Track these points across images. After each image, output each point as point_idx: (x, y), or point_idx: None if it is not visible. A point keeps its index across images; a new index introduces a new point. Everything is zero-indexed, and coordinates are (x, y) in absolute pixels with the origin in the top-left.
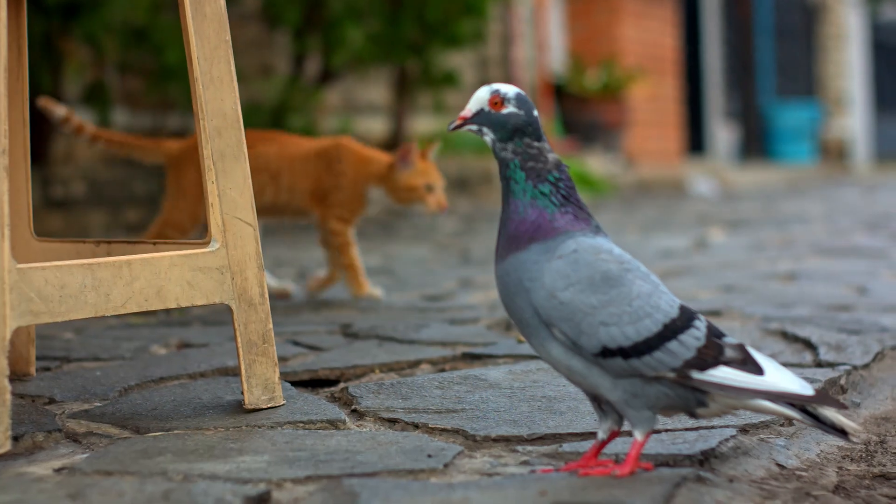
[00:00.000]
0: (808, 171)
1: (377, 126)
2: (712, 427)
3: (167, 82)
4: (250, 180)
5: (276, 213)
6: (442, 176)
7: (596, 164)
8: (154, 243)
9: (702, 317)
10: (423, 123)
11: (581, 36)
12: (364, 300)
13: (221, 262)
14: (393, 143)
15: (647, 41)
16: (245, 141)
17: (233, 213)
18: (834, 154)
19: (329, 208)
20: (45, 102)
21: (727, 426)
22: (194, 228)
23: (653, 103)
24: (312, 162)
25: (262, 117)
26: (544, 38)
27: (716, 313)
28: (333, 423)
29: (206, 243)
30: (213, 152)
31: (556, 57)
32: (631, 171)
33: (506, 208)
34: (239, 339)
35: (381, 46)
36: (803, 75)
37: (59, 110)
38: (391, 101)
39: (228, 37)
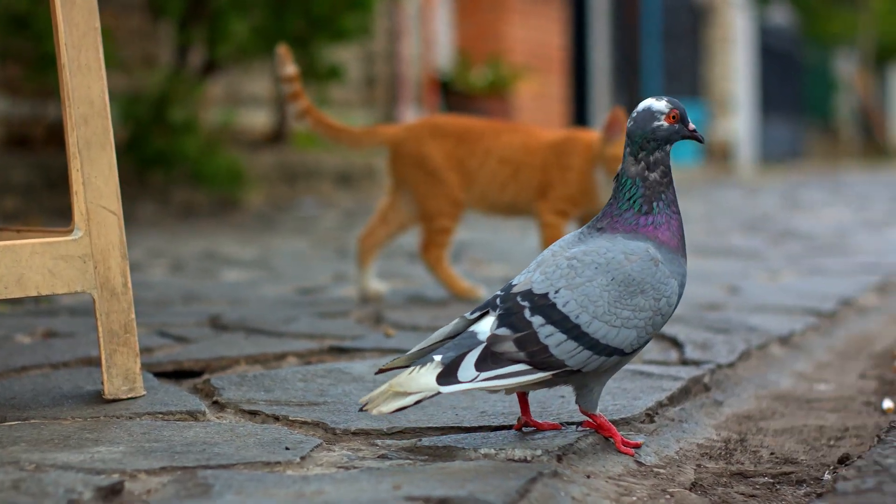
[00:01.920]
0: (691, 173)
1: (261, 119)
2: (572, 420)
3: (47, 70)
4: (116, 169)
5: (510, 212)
6: None
7: None
8: (18, 230)
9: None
10: None
11: (468, 33)
12: None
13: (84, 251)
14: (276, 136)
15: (533, 40)
16: (109, 129)
17: (97, 202)
18: (718, 156)
19: (549, 202)
20: (284, 50)
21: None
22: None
23: (539, 102)
24: (546, 154)
25: (144, 108)
26: (431, 34)
27: None
28: (193, 415)
29: (69, 231)
30: (79, 140)
31: (443, 53)
32: None
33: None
34: (100, 329)
35: (265, 39)
36: (689, 77)
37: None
38: (275, 94)
39: (98, 24)
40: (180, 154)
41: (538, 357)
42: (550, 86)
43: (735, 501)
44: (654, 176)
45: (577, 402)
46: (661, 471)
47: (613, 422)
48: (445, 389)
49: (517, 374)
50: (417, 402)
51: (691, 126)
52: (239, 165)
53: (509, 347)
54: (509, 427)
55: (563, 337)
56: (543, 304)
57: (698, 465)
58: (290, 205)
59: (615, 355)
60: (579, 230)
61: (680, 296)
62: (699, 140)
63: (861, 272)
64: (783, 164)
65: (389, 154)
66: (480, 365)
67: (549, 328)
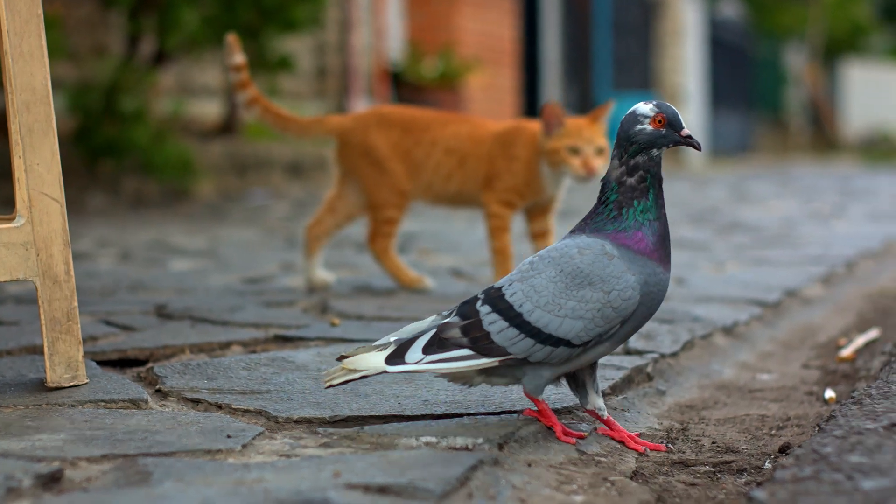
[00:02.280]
0: None
1: (212, 109)
2: (514, 408)
3: None
4: (58, 156)
5: (457, 203)
6: (596, 138)
7: None
8: None
9: None
10: None
11: (420, 24)
12: None
13: (26, 238)
14: (227, 126)
15: (485, 31)
16: (52, 116)
17: (39, 189)
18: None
19: (495, 192)
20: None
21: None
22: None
23: (490, 93)
24: (492, 145)
25: (93, 97)
26: (383, 25)
27: None
28: (135, 403)
29: (12, 219)
30: (21, 127)
31: (395, 45)
32: None
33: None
34: (43, 317)
35: (215, 29)
36: (640, 70)
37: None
38: (226, 84)
39: (40, 11)
40: (130, 144)
41: (480, 343)
42: (501, 77)
43: (675, 490)
44: (630, 181)
45: (522, 384)
46: (603, 459)
47: (556, 411)
48: (391, 369)
49: (461, 358)
50: (363, 377)
51: (684, 132)
52: (189, 156)
53: (455, 333)
54: (451, 415)
55: (505, 324)
56: (494, 296)
57: (640, 454)
58: (240, 195)
59: (562, 346)
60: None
61: (652, 297)
62: (694, 146)
63: (807, 263)
64: (733, 157)
65: (336, 144)
66: (427, 349)
67: (493, 316)
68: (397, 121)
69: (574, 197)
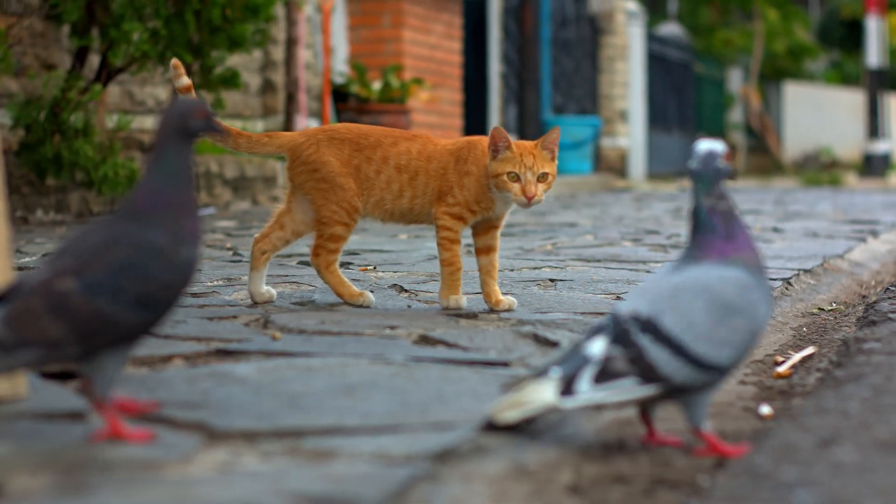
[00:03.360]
0: (585, 183)
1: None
2: (453, 422)
3: None
4: (2, 163)
5: (409, 220)
6: (538, 164)
7: None
8: None
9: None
10: None
11: (366, 42)
12: (449, 304)
13: None
14: None
15: (430, 49)
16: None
17: None
18: (611, 167)
19: (447, 206)
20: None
21: (466, 422)
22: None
23: (435, 111)
24: (445, 160)
25: (39, 112)
26: (329, 42)
27: (472, 316)
28: (76, 415)
29: None
30: None
31: (340, 62)
32: None
33: None
34: None
35: (162, 45)
36: (585, 88)
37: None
38: (173, 99)
39: None
40: (76, 158)
41: (648, 374)
42: (446, 95)
43: None
44: (724, 205)
45: (687, 420)
46: (540, 473)
47: (490, 426)
48: (566, 403)
49: (628, 389)
50: (536, 414)
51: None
52: (135, 170)
53: (622, 365)
54: (391, 428)
55: (669, 354)
56: (650, 326)
57: (577, 469)
58: None
59: (715, 371)
60: (676, 261)
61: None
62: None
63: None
64: (676, 176)
65: (287, 160)
66: (597, 380)
67: (657, 347)
68: (348, 137)
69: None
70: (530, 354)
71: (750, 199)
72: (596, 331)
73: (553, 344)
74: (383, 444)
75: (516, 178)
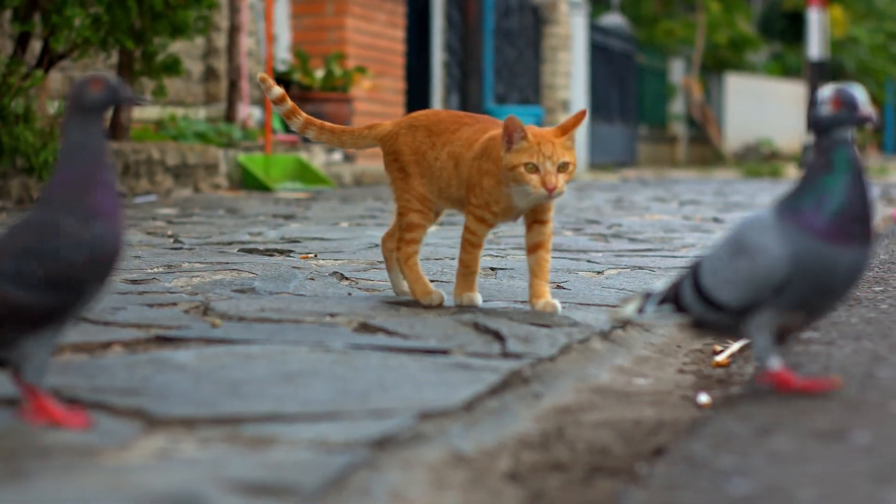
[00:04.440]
0: None
1: None
2: (393, 410)
3: None
4: None
5: (464, 209)
6: (558, 152)
7: (318, 157)
8: None
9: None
10: (147, 110)
11: (309, 30)
12: (462, 301)
13: None
14: (113, 128)
15: (373, 38)
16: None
17: None
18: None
19: (470, 204)
20: (264, 77)
21: (406, 410)
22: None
23: (377, 99)
24: (477, 152)
25: None
26: (272, 30)
27: (412, 304)
28: (12, 402)
29: None
30: None
31: (283, 49)
32: (352, 165)
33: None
34: None
35: (104, 31)
36: (528, 78)
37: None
38: None
39: None
40: (17, 144)
41: (678, 303)
42: (389, 84)
43: (550, 491)
44: (819, 162)
45: (753, 356)
46: (479, 460)
47: (430, 413)
48: (635, 317)
49: (667, 314)
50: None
51: (864, 112)
52: None
53: (667, 294)
54: (330, 415)
55: (690, 289)
56: (696, 267)
57: (515, 456)
58: (125, 196)
59: (722, 311)
60: None
61: (813, 272)
62: (869, 120)
63: (684, 269)
64: (618, 167)
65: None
66: (660, 303)
67: (687, 283)
68: (424, 124)
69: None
70: (470, 342)
71: (690, 189)
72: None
73: (493, 332)
74: (322, 432)
75: (535, 168)
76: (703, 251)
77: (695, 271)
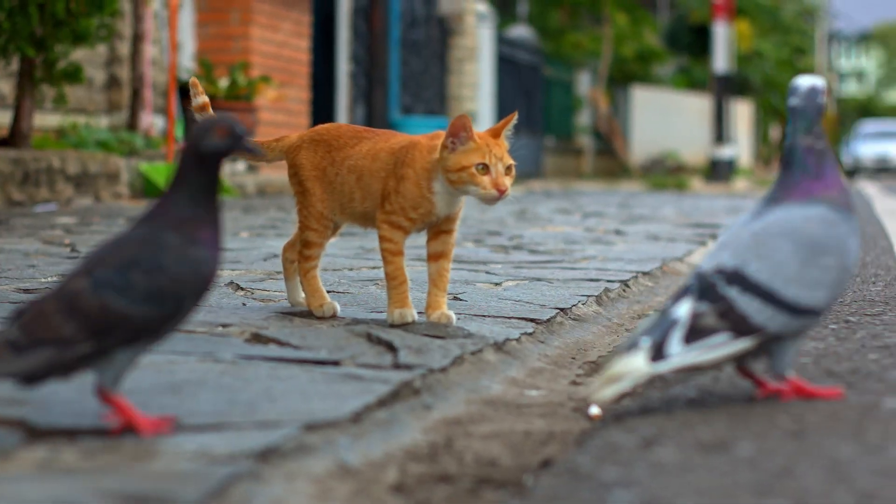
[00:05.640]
0: None
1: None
2: (279, 421)
3: None
4: None
5: (369, 224)
6: (504, 155)
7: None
8: None
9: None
10: (48, 118)
11: (213, 38)
12: (393, 319)
13: None
14: (12, 135)
15: (278, 47)
16: None
17: None
18: None
19: (384, 213)
20: (195, 82)
21: (292, 421)
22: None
23: (282, 109)
24: (386, 161)
25: None
26: (176, 38)
27: (307, 314)
28: None
29: None
30: None
31: (188, 58)
32: (255, 175)
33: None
34: None
35: (4, 38)
36: (434, 89)
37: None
38: (13, 93)
39: None
40: None
41: (740, 326)
42: (294, 94)
43: (435, 503)
44: (821, 145)
45: (772, 368)
46: (365, 472)
47: (317, 425)
48: (658, 367)
49: (721, 344)
50: (632, 385)
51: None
52: None
53: (712, 320)
54: (215, 426)
55: (759, 303)
56: (737, 277)
57: (403, 468)
58: (25, 205)
59: (810, 315)
60: (755, 207)
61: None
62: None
63: (583, 282)
64: (524, 179)
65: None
66: (688, 339)
67: (747, 297)
68: (325, 138)
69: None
70: (362, 353)
71: (595, 201)
72: (680, 294)
73: (386, 343)
74: (206, 443)
75: (486, 170)
76: (718, 264)
77: (748, 287)
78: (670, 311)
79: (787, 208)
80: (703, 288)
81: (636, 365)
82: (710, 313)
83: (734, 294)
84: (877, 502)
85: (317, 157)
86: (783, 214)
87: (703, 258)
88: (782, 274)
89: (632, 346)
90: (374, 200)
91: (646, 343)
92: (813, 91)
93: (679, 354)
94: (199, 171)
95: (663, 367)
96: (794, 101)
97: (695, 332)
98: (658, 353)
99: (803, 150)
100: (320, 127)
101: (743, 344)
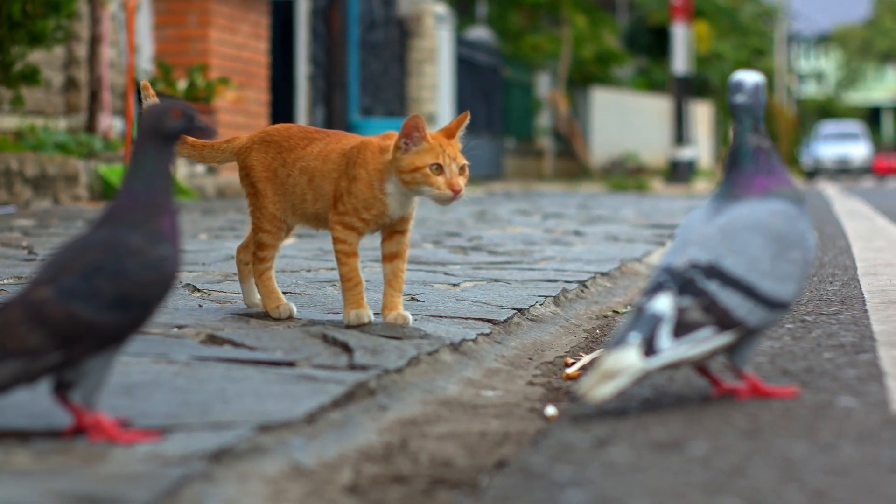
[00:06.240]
0: None
1: None
2: (233, 422)
3: None
4: None
5: (320, 225)
6: (458, 155)
7: (181, 169)
8: None
9: None
10: (6, 121)
11: (171, 41)
12: (349, 320)
13: None
14: None
15: (237, 49)
16: None
17: None
18: None
19: (337, 214)
20: (146, 84)
21: (246, 422)
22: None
23: (241, 111)
24: (337, 162)
25: None
26: (133, 40)
27: (263, 315)
28: None
29: None
30: None
31: (146, 60)
32: (215, 177)
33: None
34: None
35: None
36: (394, 91)
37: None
38: None
39: None
40: None
41: (724, 320)
42: (253, 96)
43: (390, 503)
44: (766, 142)
45: (733, 362)
46: (319, 473)
47: (270, 426)
48: (653, 363)
49: (707, 339)
50: (631, 382)
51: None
52: None
53: (697, 315)
54: (168, 427)
55: (740, 297)
56: (715, 271)
57: (357, 469)
58: None
59: (781, 308)
60: (710, 203)
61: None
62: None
63: (541, 283)
64: (484, 181)
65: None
66: (676, 334)
67: (727, 291)
68: (276, 139)
69: None
70: (317, 354)
71: (554, 203)
72: (654, 289)
73: (341, 344)
74: (159, 444)
75: (440, 170)
76: (691, 259)
77: (727, 281)
78: (648, 307)
79: (748, 203)
80: (682, 283)
81: (630, 361)
82: (694, 308)
83: (714, 288)
84: (828, 501)
85: (268, 159)
86: (746, 209)
87: (663, 255)
88: (758, 268)
89: (620, 342)
90: (326, 202)
91: (635, 339)
92: (758, 88)
93: (670, 349)
94: (156, 155)
95: (656, 362)
96: (740, 98)
97: (682, 327)
98: (650, 348)
99: (753, 147)
100: (270, 128)
101: (726, 338)
